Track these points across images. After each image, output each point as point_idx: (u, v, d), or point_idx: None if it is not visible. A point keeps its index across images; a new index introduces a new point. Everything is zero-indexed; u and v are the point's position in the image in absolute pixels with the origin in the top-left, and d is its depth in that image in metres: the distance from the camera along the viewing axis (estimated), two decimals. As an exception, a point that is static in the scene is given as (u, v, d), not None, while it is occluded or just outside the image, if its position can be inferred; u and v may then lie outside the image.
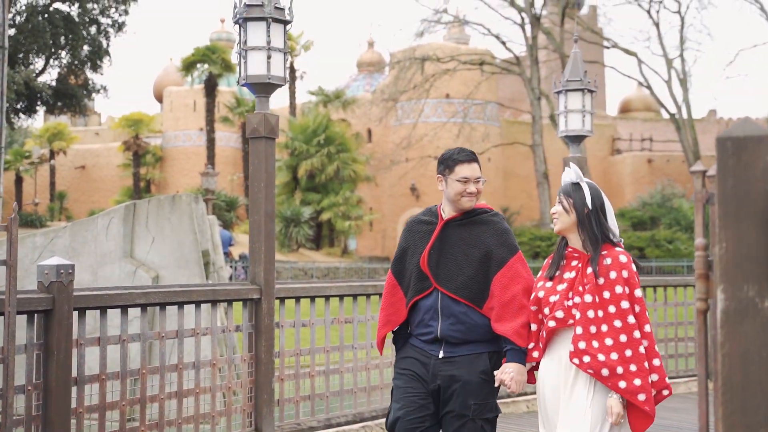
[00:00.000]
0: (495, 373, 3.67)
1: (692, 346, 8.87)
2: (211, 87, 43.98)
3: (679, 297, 9.00)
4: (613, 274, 3.47)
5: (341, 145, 39.10)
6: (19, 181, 47.23)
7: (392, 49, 45.50)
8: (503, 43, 38.05)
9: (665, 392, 3.51)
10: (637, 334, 3.43)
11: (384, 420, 4.32)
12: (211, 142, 43.94)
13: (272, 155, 5.60)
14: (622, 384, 3.38)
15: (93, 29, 32.16)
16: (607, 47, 40.57)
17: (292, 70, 42.70)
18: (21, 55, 30.49)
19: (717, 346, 1.65)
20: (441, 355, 3.74)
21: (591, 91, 7.65)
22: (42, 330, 4.33)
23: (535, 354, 3.65)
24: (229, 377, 5.46)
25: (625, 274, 3.48)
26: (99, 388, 4.65)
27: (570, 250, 3.64)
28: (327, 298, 6.15)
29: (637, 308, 3.48)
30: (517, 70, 38.46)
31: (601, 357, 3.39)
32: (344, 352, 6.17)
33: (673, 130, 41.35)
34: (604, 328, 3.43)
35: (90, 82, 33.92)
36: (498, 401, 3.85)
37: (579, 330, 3.45)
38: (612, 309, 3.44)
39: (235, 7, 5.45)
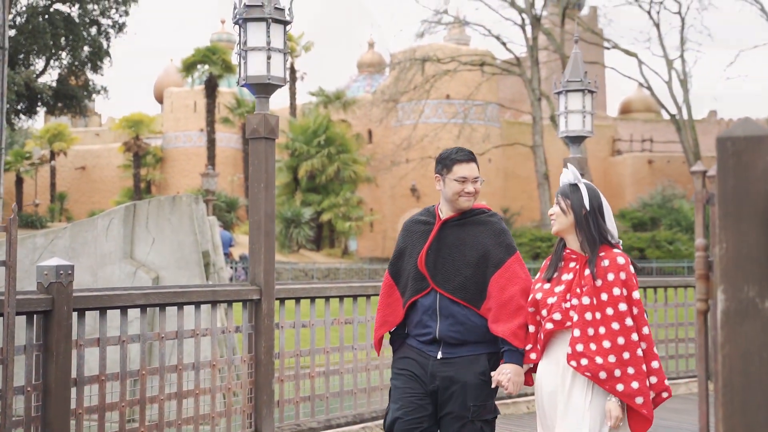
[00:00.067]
0: (492, 374, 3.66)
1: (693, 346, 8.86)
2: (211, 88, 43.99)
3: (680, 298, 8.99)
4: (610, 276, 3.45)
5: (342, 146, 39.11)
6: (19, 182, 47.24)
7: (392, 50, 45.53)
8: (504, 43, 38.05)
9: (664, 394, 3.50)
10: (635, 336, 3.42)
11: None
12: (211, 143, 43.96)
13: (272, 156, 5.59)
14: (620, 387, 3.37)
15: (93, 30, 32.18)
16: (608, 48, 40.58)
17: (293, 70, 42.72)
18: (21, 56, 30.50)
19: (717, 347, 1.65)
20: (439, 356, 3.72)
21: (591, 92, 7.64)
22: (41, 331, 4.33)
23: (533, 356, 3.63)
24: (228, 378, 5.45)
25: (622, 275, 3.46)
26: (98, 389, 4.64)
27: (568, 251, 3.62)
28: (327, 298, 6.14)
29: (635, 310, 3.45)
30: (518, 71, 38.47)
31: (598, 360, 3.38)
32: (344, 352, 6.16)
33: (674, 130, 41.34)
34: (602, 330, 3.41)
35: (90, 82, 33.93)
36: (498, 402, 3.84)
37: (577, 332, 3.44)
38: (610, 311, 3.42)
39: (235, 8, 5.44)
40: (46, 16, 30.35)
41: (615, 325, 3.41)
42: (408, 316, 3.87)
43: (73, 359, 4.46)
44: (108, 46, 32.57)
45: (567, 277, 3.56)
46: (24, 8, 30.02)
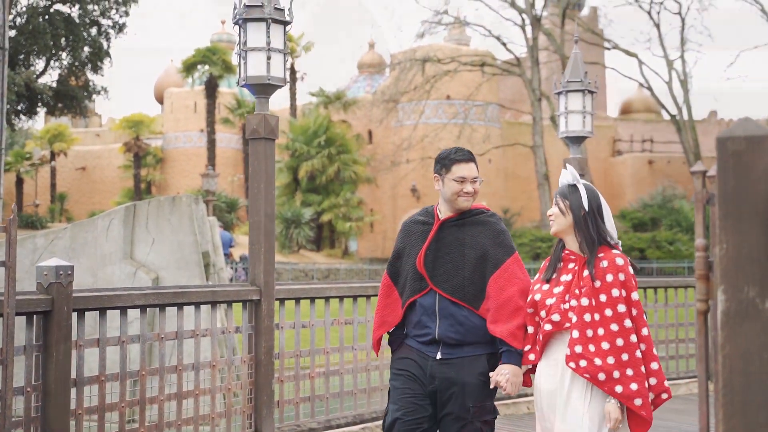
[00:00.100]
0: (490, 374, 3.65)
1: (693, 347, 8.85)
2: (211, 88, 44.01)
3: (680, 298, 8.98)
4: (609, 277, 3.44)
5: (342, 147, 39.13)
6: (19, 182, 47.25)
7: (393, 51, 45.55)
8: (504, 44, 38.05)
9: (664, 396, 3.49)
10: (633, 338, 3.41)
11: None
12: (211, 144, 43.97)
13: (272, 156, 5.59)
14: (619, 388, 3.36)
15: (93, 30, 32.18)
16: (608, 48, 40.57)
17: (293, 71, 42.72)
18: (21, 57, 30.50)
19: (717, 348, 1.64)
20: (439, 356, 3.71)
21: (591, 92, 7.64)
22: (41, 331, 4.32)
23: (532, 357, 3.62)
24: (228, 379, 5.44)
25: (621, 276, 3.45)
26: (98, 390, 4.64)
27: (567, 252, 3.61)
28: (327, 299, 6.14)
29: (634, 311, 3.44)
30: (518, 72, 38.46)
31: (597, 361, 3.37)
32: (344, 353, 6.16)
33: (674, 131, 41.35)
34: (601, 331, 3.40)
35: (90, 83, 33.93)
36: (498, 403, 3.84)
37: (575, 334, 3.43)
38: (608, 312, 3.41)
39: (234, 8, 5.44)
40: (47, 17, 30.35)
41: (614, 327, 3.40)
42: (407, 316, 3.85)
43: (73, 360, 4.45)
44: (108, 46, 32.57)
45: (566, 278, 3.55)
46: (24, 9, 30.03)
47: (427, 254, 3.78)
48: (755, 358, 1.60)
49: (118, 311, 4.83)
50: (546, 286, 3.60)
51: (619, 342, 3.39)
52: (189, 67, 44.80)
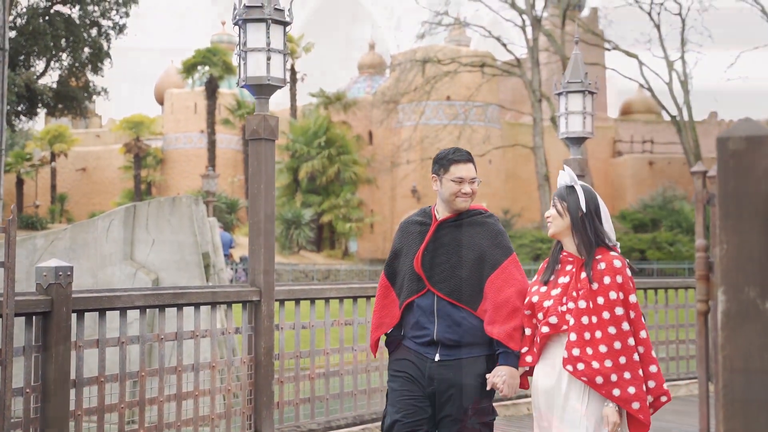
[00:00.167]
0: (487, 376, 3.63)
1: (693, 348, 8.85)
2: (212, 89, 44.04)
3: (680, 299, 8.97)
4: (607, 280, 3.42)
5: (342, 147, 39.15)
6: (20, 183, 47.27)
7: (393, 51, 45.57)
8: (504, 45, 38.04)
9: (663, 398, 3.46)
10: (631, 341, 3.39)
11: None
12: (211, 144, 44.00)
13: (272, 157, 5.58)
14: (616, 392, 3.34)
15: (94, 31, 32.17)
16: (608, 49, 40.56)
17: (293, 72, 42.73)
18: (22, 58, 30.51)
19: (718, 348, 1.64)
20: (437, 358, 3.69)
21: (592, 93, 7.63)
22: (40, 332, 4.31)
23: (529, 359, 3.60)
24: (228, 379, 5.44)
25: (619, 279, 3.43)
26: (98, 391, 4.63)
27: (565, 254, 3.59)
28: (327, 300, 6.13)
29: (632, 314, 3.43)
30: (518, 72, 38.46)
31: (595, 364, 3.35)
32: (344, 354, 6.15)
33: (674, 132, 41.35)
34: (598, 334, 3.38)
35: (91, 84, 33.94)
36: (498, 404, 3.83)
37: (573, 336, 3.41)
38: (606, 315, 3.39)
39: (234, 9, 5.44)
40: (47, 18, 30.36)
41: (611, 330, 3.38)
42: (404, 317, 3.83)
43: (73, 360, 4.45)
44: (108, 47, 32.57)
45: (563, 280, 3.53)
46: (24, 9, 30.03)
47: (424, 255, 3.76)
48: (756, 358, 1.59)
49: (117, 312, 4.82)
50: (544, 288, 3.58)
51: (617, 345, 3.37)
52: (189, 68, 44.85)
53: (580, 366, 3.37)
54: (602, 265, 3.45)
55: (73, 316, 4.45)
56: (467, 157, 3.77)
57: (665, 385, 3.48)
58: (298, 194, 39.30)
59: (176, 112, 49.95)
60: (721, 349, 1.62)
